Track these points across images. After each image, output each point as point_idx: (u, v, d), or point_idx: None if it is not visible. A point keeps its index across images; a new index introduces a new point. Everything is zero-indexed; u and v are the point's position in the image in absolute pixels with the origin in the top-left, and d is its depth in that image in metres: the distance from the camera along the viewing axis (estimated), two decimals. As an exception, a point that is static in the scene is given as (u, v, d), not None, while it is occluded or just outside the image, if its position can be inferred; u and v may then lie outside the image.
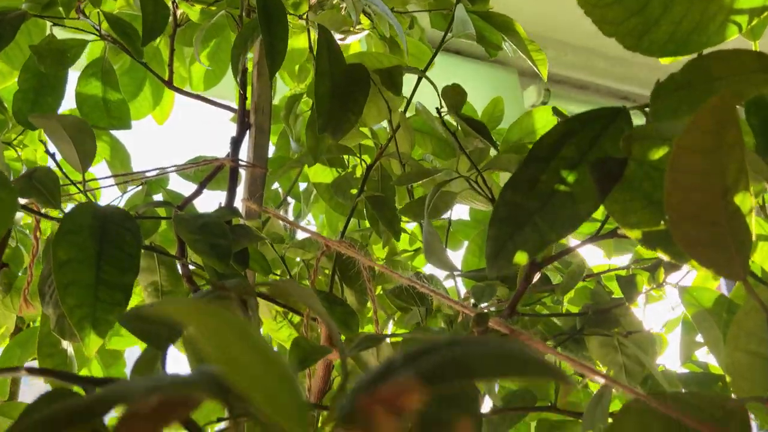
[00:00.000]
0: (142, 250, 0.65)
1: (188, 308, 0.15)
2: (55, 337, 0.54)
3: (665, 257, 0.41)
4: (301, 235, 0.96)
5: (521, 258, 0.44)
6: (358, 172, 0.97)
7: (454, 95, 0.60)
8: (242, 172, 0.86)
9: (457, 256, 1.21)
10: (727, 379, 0.46)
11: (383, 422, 0.12)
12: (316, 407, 0.67)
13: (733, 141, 0.36)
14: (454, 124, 0.78)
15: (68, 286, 0.47)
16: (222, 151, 0.84)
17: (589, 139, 0.45)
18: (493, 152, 0.69)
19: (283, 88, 1.09)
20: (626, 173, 0.43)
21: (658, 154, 0.44)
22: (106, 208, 0.54)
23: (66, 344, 0.58)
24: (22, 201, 0.59)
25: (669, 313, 1.06)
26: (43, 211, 0.63)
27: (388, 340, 0.51)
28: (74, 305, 0.46)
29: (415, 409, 0.12)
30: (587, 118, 0.46)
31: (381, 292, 0.95)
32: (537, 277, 0.64)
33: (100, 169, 0.97)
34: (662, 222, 0.42)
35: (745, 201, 0.37)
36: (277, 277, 0.88)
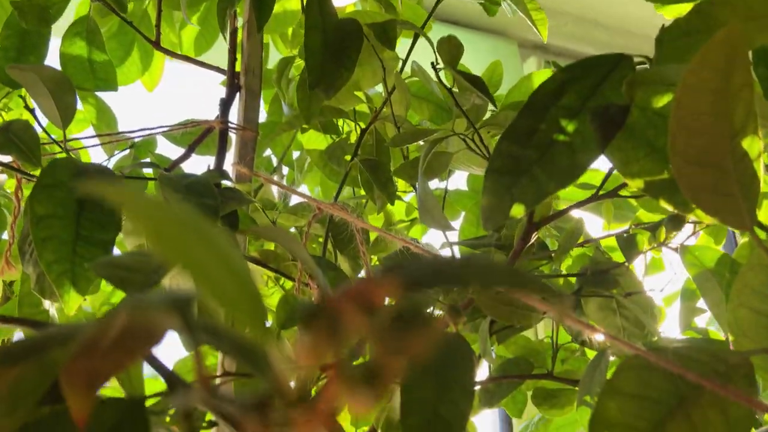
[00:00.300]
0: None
1: (124, 191, 0.13)
2: (36, 297, 0.52)
3: (668, 207, 0.39)
4: (294, 202, 0.94)
5: (518, 210, 0.42)
6: (353, 139, 0.95)
7: (450, 48, 0.58)
8: (232, 136, 0.84)
9: (455, 225, 1.19)
10: (730, 337, 0.44)
11: (351, 319, 0.11)
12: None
13: (742, 80, 0.34)
14: (450, 88, 0.76)
15: (45, 241, 0.45)
16: (212, 118, 0.82)
17: (590, 87, 0.43)
18: (490, 111, 0.67)
19: (276, 57, 1.06)
20: (628, 121, 0.41)
21: (663, 100, 0.42)
22: (87, 164, 0.52)
23: (48, 305, 0.56)
24: (2, 159, 0.57)
25: (668, 287, 1.04)
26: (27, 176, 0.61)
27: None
28: (52, 261, 0.45)
29: (388, 306, 0.11)
30: (588, 64, 0.44)
31: (376, 263, 0.93)
32: (534, 238, 0.62)
33: (86, 135, 0.94)
34: (666, 171, 0.41)
35: (753, 145, 0.36)
36: (271, 245, 0.86)
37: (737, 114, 0.35)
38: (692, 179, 0.35)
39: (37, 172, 0.56)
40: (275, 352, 0.13)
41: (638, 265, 0.77)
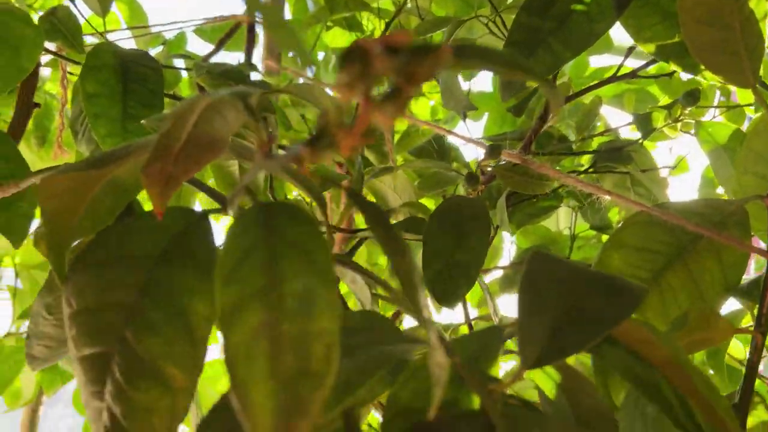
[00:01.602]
0: (165, 99, 0.67)
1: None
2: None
3: (678, 69, 0.41)
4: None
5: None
6: (377, 35, 0.96)
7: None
8: (260, 35, 0.86)
9: (478, 126, 1.22)
10: (734, 203, 0.47)
11: (377, 57, 0.14)
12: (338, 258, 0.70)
13: (754, -62, 0.35)
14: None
15: (98, 117, 0.49)
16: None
17: (609, -44, 0.44)
18: None
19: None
20: (643, -12, 0.42)
21: (678, -34, 0.43)
22: (125, 49, 0.56)
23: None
24: (49, 46, 0.61)
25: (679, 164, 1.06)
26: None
27: (401, 171, 0.53)
28: (105, 134, 0.49)
29: (405, 46, 0.14)
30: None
31: (402, 162, 0.97)
32: (552, 119, 0.65)
33: (120, 35, 0.97)
34: (677, 35, 0.42)
35: (759, 5, 0.37)
36: (303, 135, 0.90)
37: (746, -28, 0.36)
38: (700, 38, 0.37)
39: (82, 59, 0.60)
40: (322, 92, 0.16)
41: (664, 171, 0.78)
